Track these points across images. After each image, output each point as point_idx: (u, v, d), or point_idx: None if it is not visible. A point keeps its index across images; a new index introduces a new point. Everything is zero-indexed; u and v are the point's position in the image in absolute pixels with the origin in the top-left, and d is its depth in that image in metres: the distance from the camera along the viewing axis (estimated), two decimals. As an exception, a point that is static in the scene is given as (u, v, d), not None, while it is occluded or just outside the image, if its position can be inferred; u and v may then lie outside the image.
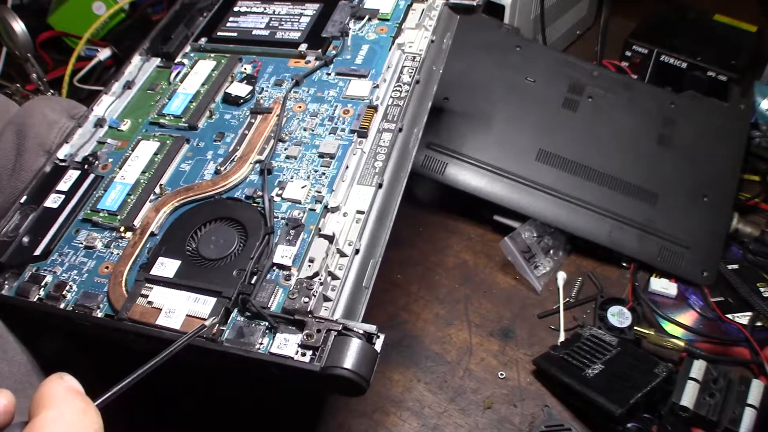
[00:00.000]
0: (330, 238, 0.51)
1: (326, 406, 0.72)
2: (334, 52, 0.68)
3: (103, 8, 1.08)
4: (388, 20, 0.70)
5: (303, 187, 0.56)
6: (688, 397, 0.65)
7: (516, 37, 0.96)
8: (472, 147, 0.87)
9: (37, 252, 0.56)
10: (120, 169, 0.62)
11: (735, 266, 0.80)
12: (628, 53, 1.03)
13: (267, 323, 0.47)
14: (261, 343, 0.47)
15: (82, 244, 0.57)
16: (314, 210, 0.54)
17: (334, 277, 0.50)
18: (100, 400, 0.33)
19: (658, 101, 0.91)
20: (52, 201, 0.60)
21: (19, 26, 1.02)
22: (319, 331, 0.46)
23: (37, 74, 1.06)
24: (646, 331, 0.73)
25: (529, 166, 0.86)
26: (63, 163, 0.64)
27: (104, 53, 1.07)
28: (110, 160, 0.63)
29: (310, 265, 0.50)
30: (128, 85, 0.71)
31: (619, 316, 0.76)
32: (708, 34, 1.02)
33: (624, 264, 0.83)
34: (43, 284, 0.54)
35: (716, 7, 1.07)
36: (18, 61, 1.06)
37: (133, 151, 0.63)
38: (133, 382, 0.36)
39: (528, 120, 0.89)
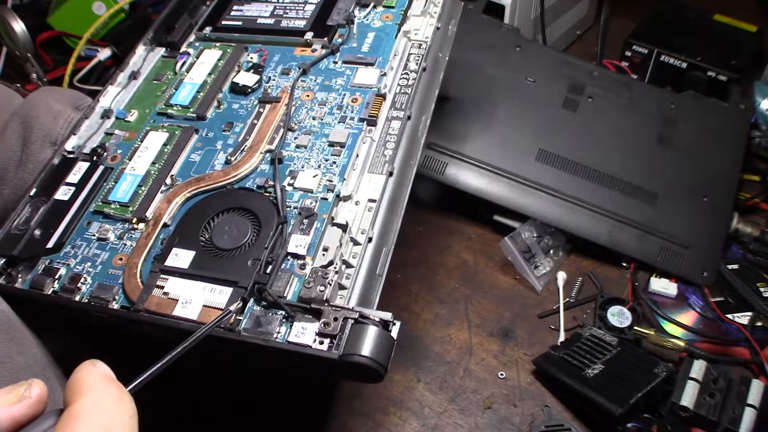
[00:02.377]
0: (343, 227, 0.52)
1: (327, 406, 0.72)
2: (340, 40, 0.68)
3: (103, 8, 1.08)
4: (393, 7, 0.70)
5: (314, 176, 0.56)
6: (688, 397, 0.65)
7: (516, 37, 0.96)
8: (472, 147, 0.87)
9: (50, 245, 0.56)
10: (129, 160, 0.62)
11: (735, 266, 0.80)
12: (628, 53, 1.03)
13: (284, 312, 0.48)
14: (279, 332, 0.47)
15: (94, 236, 0.57)
16: (326, 199, 0.55)
17: (349, 266, 0.50)
18: (132, 386, 0.34)
19: (658, 101, 0.91)
20: (63, 193, 0.60)
21: (19, 26, 1.02)
22: (336, 319, 0.46)
23: (37, 74, 1.06)
24: (646, 331, 0.73)
25: (529, 166, 0.86)
26: (71, 155, 0.64)
27: (104, 53, 1.07)
28: (119, 151, 0.63)
29: (324, 254, 0.50)
30: (134, 76, 0.71)
31: (619, 316, 0.76)
32: (708, 34, 1.02)
33: (624, 264, 0.83)
34: (57, 277, 0.54)
35: (716, 7, 1.07)
36: (18, 61, 1.06)
37: (142, 142, 0.63)
38: (163, 367, 0.36)
39: (528, 120, 0.89)
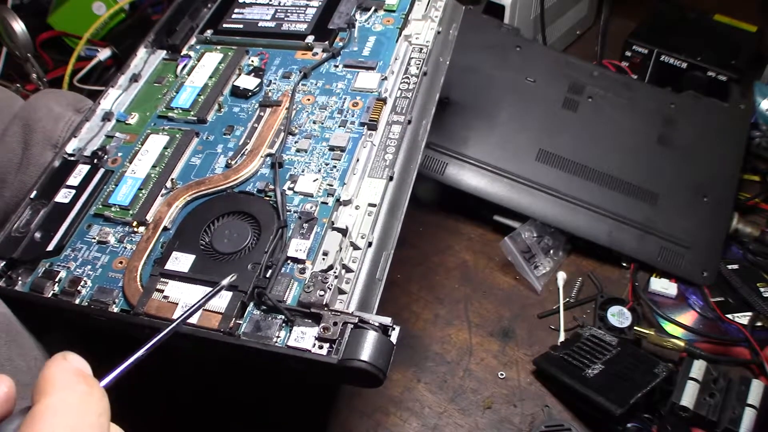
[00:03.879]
0: (343, 231, 0.52)
1: (327, 406, 0.72)
2: (341, 44, 0.68)
3: (103, 8, 1.08)
4: (394, 11, 0.70)
5: (315, 181, 0.56)
6: (688, 397, 0.65)
7: (516, 37, 0.96)
8: (473, 147, 0.87)
9: (50, 248, 0.56)
10: (130, 163, 0.61)
11: (735, 266, 0.80)
12: (628, 53, 1.03)
13: (283, 317, 0.48)
14: (278, 337, 0.47)
15: (94, 239, 0.56)
16: (326, 203, 0.55)
17: (348, 270, 0.50)
18: (105, 381, 0.32)
19: (658, 101, 0.91)
20: (63, 196, 0.60)
21: (19, 26, 1.02)
22: (335, 324, 0.46)
23: (37, 74, 1.06)
24: (646, 331, 0.73)
25: (529, 166, 0.86)
26: (72, 158, 0.63)
27: (104, 53, 1.07)
28: (120, 154, 0.63)
29: (324, 259, 0.50)
30: (134, 78, 0.70)
31: (619, 316, 0.76)
32: (708, 34, 1.02)
33: (624, 264, 0.83)
34: (57, 280, 0.54)
35: (716, 7, 1.07)
36: (18, 61, 1.06)
37: (142, 145, 0.63)
38: (139, 359, 0.35)
39: (528, 120, 0.89)
